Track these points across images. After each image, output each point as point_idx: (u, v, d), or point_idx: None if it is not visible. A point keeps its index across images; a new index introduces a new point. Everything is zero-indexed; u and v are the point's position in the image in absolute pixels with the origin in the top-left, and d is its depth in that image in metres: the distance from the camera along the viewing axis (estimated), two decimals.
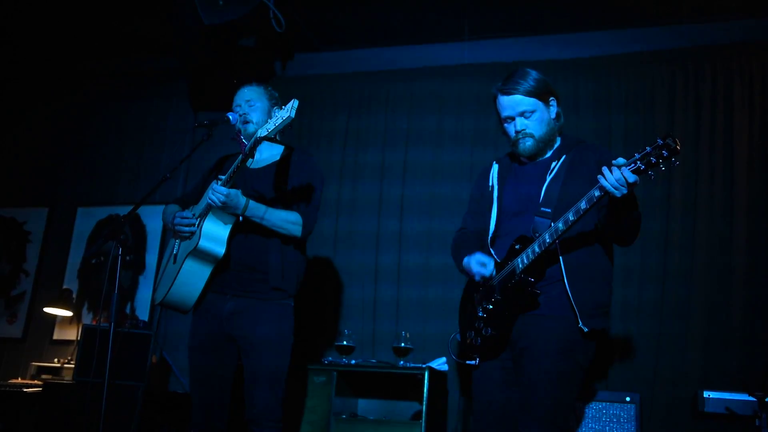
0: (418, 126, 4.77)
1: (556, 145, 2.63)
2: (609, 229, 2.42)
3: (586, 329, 2.36)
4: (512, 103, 2.52)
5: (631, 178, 2.13)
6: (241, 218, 2.76)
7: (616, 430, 3.54)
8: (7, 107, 5.80)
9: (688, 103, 4.26)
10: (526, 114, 2.52)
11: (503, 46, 4.77)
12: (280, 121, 2.53)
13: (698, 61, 4.29)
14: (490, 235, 2.61)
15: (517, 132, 2.54)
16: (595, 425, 3.57)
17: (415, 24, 4.75)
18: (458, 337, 2.70)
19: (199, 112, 5.22)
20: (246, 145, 2.71)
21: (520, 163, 2.66)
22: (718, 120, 4.18)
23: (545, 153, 2.61)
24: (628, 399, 3.57)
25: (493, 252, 2.57)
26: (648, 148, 2.10)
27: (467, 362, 2.58)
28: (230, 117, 2.96)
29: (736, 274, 3.93)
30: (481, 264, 2.53)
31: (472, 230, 2.77)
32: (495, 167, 2.75)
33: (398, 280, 4.54)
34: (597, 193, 2.21)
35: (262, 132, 2.61)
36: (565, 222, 2.28)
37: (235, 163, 2.74)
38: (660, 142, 2.07)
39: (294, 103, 2.49)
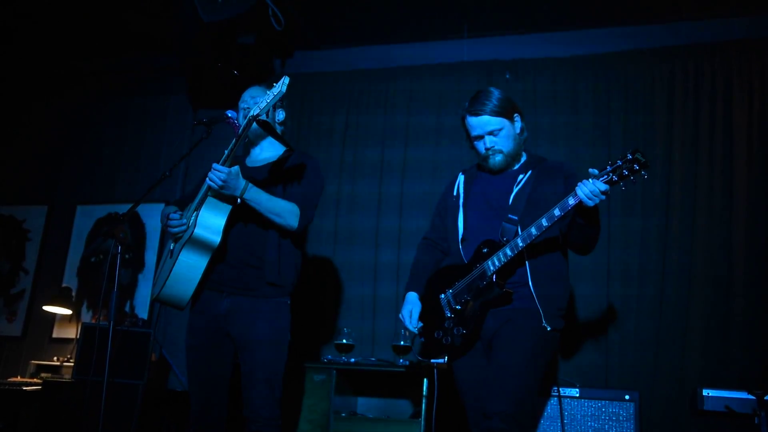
0: (417, 123, 4.77)
1: (522, 160, 2.82)
2: (572, 237, 2.58)
3: (549, 328, 2.54)
4: (480, 123, 2.70)
5: (603, 188, 2.31)
6: (239, 200, 2.70)
7: (615, 428, 3.54)
8: (7, 105, 5.80)
9: (688, 100, 4.25)
10: (494, 132, 2.71)
11: (502, 43, 4.76)
12: (271, 97, 2.54)
13: (697, 58, 4.29)
14: (459, 239, 2.76)
15: (486, 149, 2.73)
16: (594, 423, 3.56)
17: (414, 22, 4.75)
18: (422, 337, 2.82)
19: (198, 110, 5.23)
20: (240, 127, 2.69)
21: (490, 173, 2.80)
22: (717, 117, 4.17)
23: (513, 166, 2.80)
24: (627, 397, 3.56)
25: (462, 254, 2.73)
26: (619, 162, 2.30)
27: (432, 361, 2.74)
28: (230, 114, 2.96)
29: (735, 273, 3.92)
30: (409, 313, 2.82)
31: (434, 238, 2.98)
32: (461, 177, 2.93)
33: (398, 278, 4.52)
34: (571, 201, 2.39)
35: (255, 110, 2.60)
36: (539, 227, 2.47)
37: (231, 145, 2.71)
38: (629, 156, 2.27)
39: (285, 80, 2.50)
